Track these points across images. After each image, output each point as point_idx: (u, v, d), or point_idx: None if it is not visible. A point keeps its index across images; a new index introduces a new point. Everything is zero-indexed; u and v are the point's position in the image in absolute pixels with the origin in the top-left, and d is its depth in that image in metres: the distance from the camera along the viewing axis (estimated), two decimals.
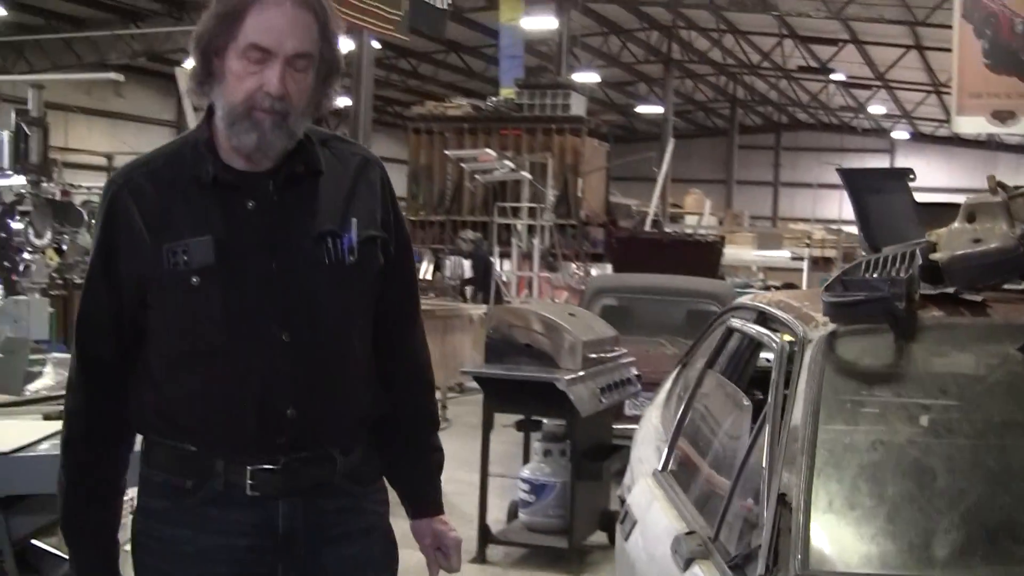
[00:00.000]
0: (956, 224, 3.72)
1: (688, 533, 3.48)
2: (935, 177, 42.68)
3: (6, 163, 10.52)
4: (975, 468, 3.10)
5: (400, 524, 3.20)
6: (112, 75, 17.91)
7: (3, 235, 11.07)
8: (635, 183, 34.31)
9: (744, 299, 4.68)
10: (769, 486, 3.02)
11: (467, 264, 19.92)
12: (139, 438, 3.07)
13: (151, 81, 37.94)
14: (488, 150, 20.62)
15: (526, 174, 19.37)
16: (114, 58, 31.29)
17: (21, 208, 10.80)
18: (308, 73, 2.87)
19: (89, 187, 25.58)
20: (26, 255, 10.84)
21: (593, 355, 8.26)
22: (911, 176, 4.59)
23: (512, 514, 8.91)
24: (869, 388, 3.37)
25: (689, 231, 26.99)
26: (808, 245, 27.44)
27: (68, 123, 31.30)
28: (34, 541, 5.50)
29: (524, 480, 8.63)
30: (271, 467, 2.91)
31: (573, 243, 22.61)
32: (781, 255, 27.92)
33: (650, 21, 36.10)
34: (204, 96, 2.92)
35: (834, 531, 2.91)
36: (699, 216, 32.97)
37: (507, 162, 19.44)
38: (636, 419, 6.36)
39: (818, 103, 47.13)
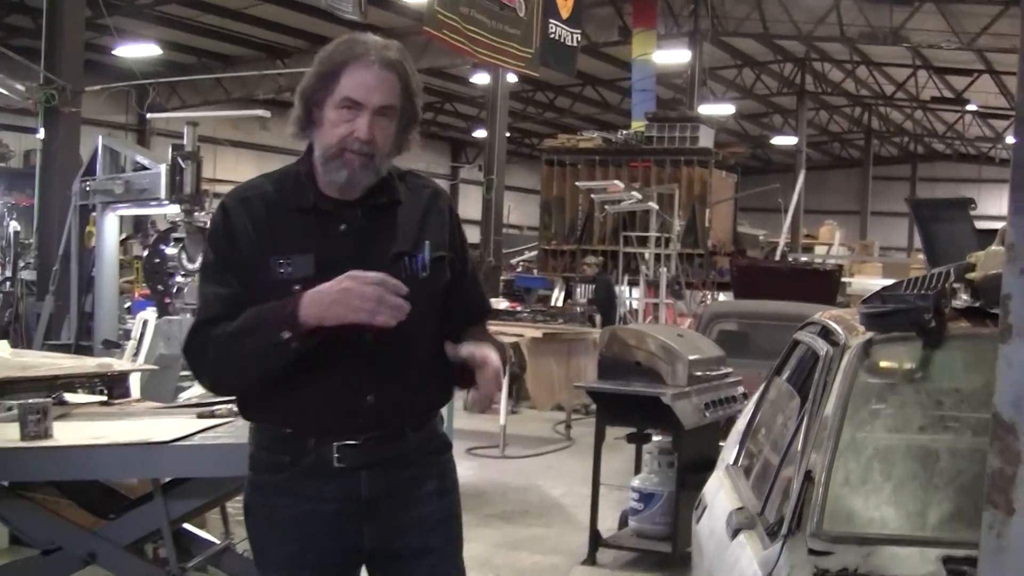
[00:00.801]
0: (993, 247, 4.22)
1: (738, 509, 4.06)
2: None
3: (163, 193, 11.27)
4: (973, 454, 3.53)
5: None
6: (260, 112, 18.71)
7: (157, 260, 11.88)
8: (766, 214, 34.51)
9: (815, 316, 5.18)
10: (800, 465, 3.60)
11: (591, 289, 20.35)
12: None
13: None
14: (617, 181, 21.04)
15: (653, 204, 19.79)
16: (261, 93, 32.50)
17: (175, 235, 11.58)
18: (392, 122, 3.40)
19: None
20: (179, 279, 11.61)
21: (699, 373, 8.77)
22: (972, 205, 5.08)
23: (623, 522, 9.39)
24: (893, 386, 3.93)
25: (807, 260, 27.09)
26: None
27: (217, 155, 32.40)
28: (185, 525, 6.22)
29: (634, 489, 9.15)
30: (353, 443, 3.41)
31: (700, 272, 23.03)
32: None
33: (783, 53, 36.27)
34: (305, 138, 3.45)
35: (846, 502, 3.49)
36: (828, 246, 33.01)
37: (635, 193, 19.89)
38: None
39: (955, 133, 46.48)
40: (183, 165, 11.21)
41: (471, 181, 41.33)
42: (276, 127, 34.19)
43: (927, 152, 53.00)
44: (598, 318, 19.17)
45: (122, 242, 15.83)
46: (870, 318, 3.99)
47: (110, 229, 12.08)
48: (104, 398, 7.37)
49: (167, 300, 11.65)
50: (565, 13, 15.96)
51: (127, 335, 11.91)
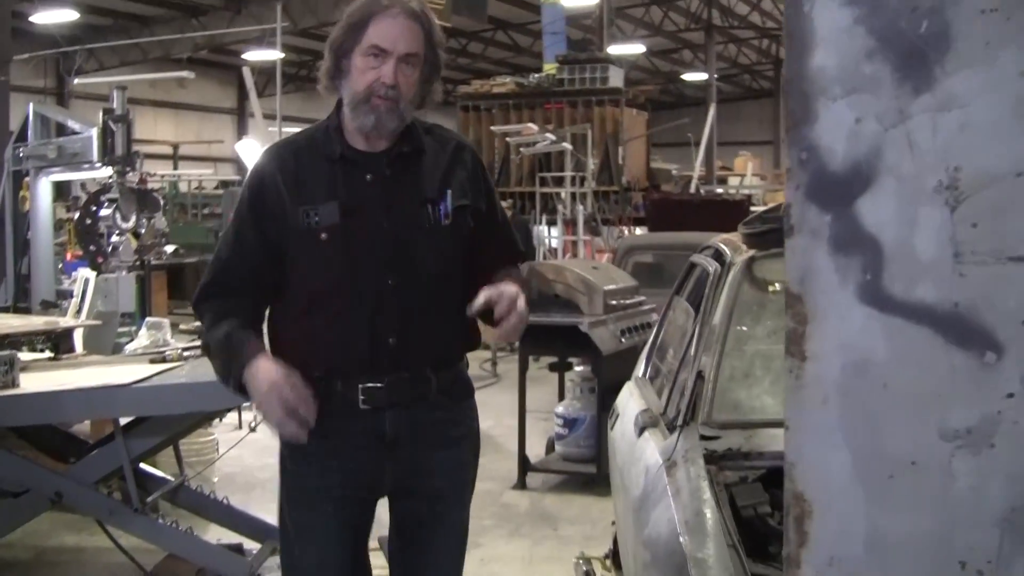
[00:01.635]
0: None
1: (644, 410, 4.61)
2: None
3: (95, 156, 11.60)
4: None
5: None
6: (184, 73, 18.97)
7: (89, 222, 12.22)
8: (680, 148, 34.99)
9: (710, 240, 5.69)
10: (693, 366, 4.16)
11: None
12: None
13: (212, 72, 39.11)
14: (531, 124, 21.40)
15: (567, 145, 20.18)
16: (177, 51, 32.42)
17: (109, 196, 11.93)
18: (416, 70, 3.51)
19: (163, 175, 26.73)
20: (115, 238, 11.98)
21: (614, 302, 9.34)
22: None
23: (549, 448, 10.00)
24: (771, 297, 4.49)
25: (719, 192, 27.74)
26: None
27: (136, 115, 32.48)
28: (141, 465, 6.68)
29: (558, 416, 9.71)
30: (378, 384, 3.53)
31: (616, 208, 23.55)
32: None
33: None
34: (335, 90, 3.57)
35: (731, 395, 4.06)
36: (742, 177, 33.62)
37: (549, 135, 20.30)
38: None
39: None
40: (114, 128, 11.54)
41: None
42: (193, 85, 34.50)
43: None
44: None
45: None
46: (750, 237, 4.55)
47: (44, 194, 12.34)
48: (50, 355, 7.80)
49: (100, 260, 11.96)
50: None
51: (62, 296, 12.25)
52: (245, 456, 9.33)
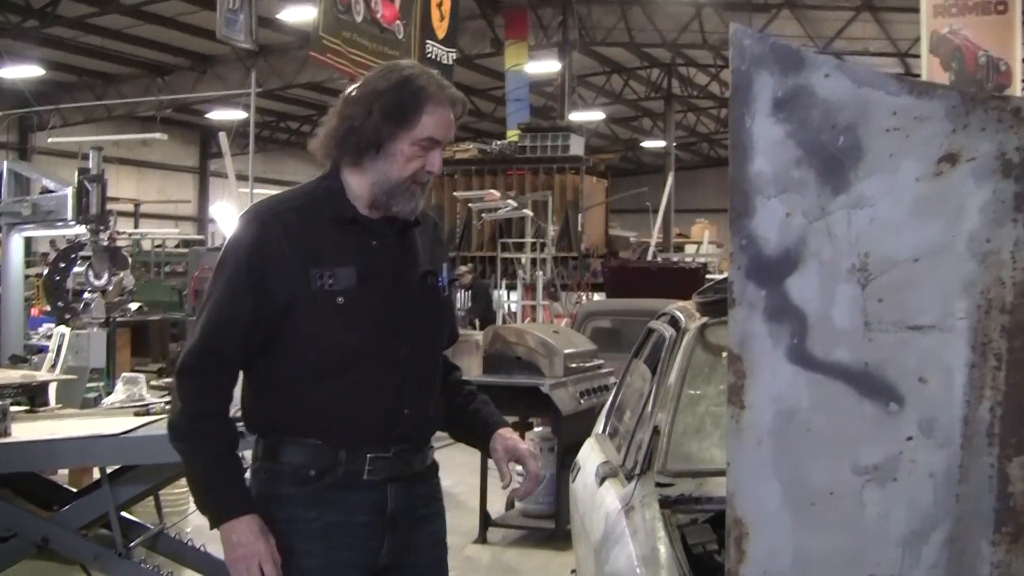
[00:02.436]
0: None
1: (604, 462, 5.01)
2: None
3: (70, 215, 11.87)
4: None
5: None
6: (157, 135, 19.27)
7: (58, 278, 12.47)
8: (639, 215, 35.26)
9: (666, 308, 6.07)
10: (649, 422, 4.58)
11: (468, 295, 20.88)
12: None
13: (175, 131, 39.30)
14: (493, 190, 21.68)
15: (528, 211, 20.47)
16: (142, 110, 32.92)
17: (83, 254, 12.22)
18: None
19: (130, 233, 26.91)
20: (86, 295, 12.24)
21: (574, 364, 9.74)
22: None
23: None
24: (721, 360, 4.92)
25: (675, 260, 28.18)
26: None
27: None
28: (123, 513, 6.97)
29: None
30: (385, 456, 3.42)
31: (574, 274, 23.89)
32: None
33: (650, 60, 37.11)
34: (357, 166, 3.43)
35: (684, 448, 4.48)
36: (698, 244, 34.05)
37: (511, 200, 20.63)
38: None
39: None
40: (89, 187, 11.85)
41: None
42: (156, 143, 34.78)
43: None
44: (478, 322, 19.74)
45: None
46: (703, 306, 4.99)
47: (16, 250, 12.50)
48: (26, 408, 8.07)
49: (67, 316, 12.17)
50: (441, 34, 16.69)
51: (32, 351, 12.47)
52: None
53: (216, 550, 7.50)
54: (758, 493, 2.38)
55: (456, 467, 11.83)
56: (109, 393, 8.79)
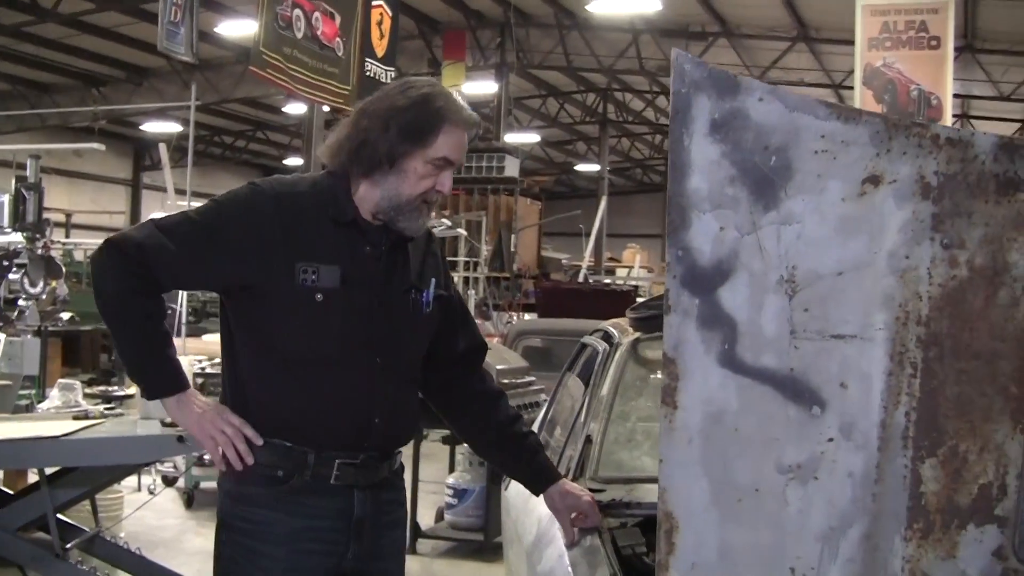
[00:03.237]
0: None
1: None
2: None
3: (6, 222, 11.91)
4: None
5: None
6: (95, 145, 19.24)
7: None
8: (570, 238, 35.52)
9: (600, 324, 6.26)
10: (582, 432, 4.72)
11: None
12: None
13: (108, 142, 39.06)
14: None
15: (462, 231, 20.64)
16: (76, 120, 32.74)
17: (18, 261, 12.23)
18: None
19: (63, 243, 26.80)
20: (21, 302, 12.26)
21: (505, 381, 9.88)
22: None
23: (439, 517, 10.53)
24: (652, 372, 5.09)
25: (607, 282, 28.45)
26: None
27: None
28: (59, 515, 7.03)
29: (449, 486, 10.27)
30: (353, 462, 3.42)
31: (506, 294, 24.11)
32: None
33: (586, 84, 37.21)
34: (361, 175, 3.41)
35: (616, 456, 4.63)
36: (629, 268, 34.36)
37: (445, 220, 20.81)
38: None
39: None
40: (26, 195, 11.91)
41: None
42: (88, 154, 34.61)
43: None
44: None
45: None
46: (637, 321, 5.16)
47: None
48: None
49: (1, 323, 12.14)
50: (380, 52, 16.76)
51: None
52: (147, 517, 9.71)
53: (152, 555, 7.66)
54: (688, 489, 2.53)
55: None
56: (41, 402, 8.81)
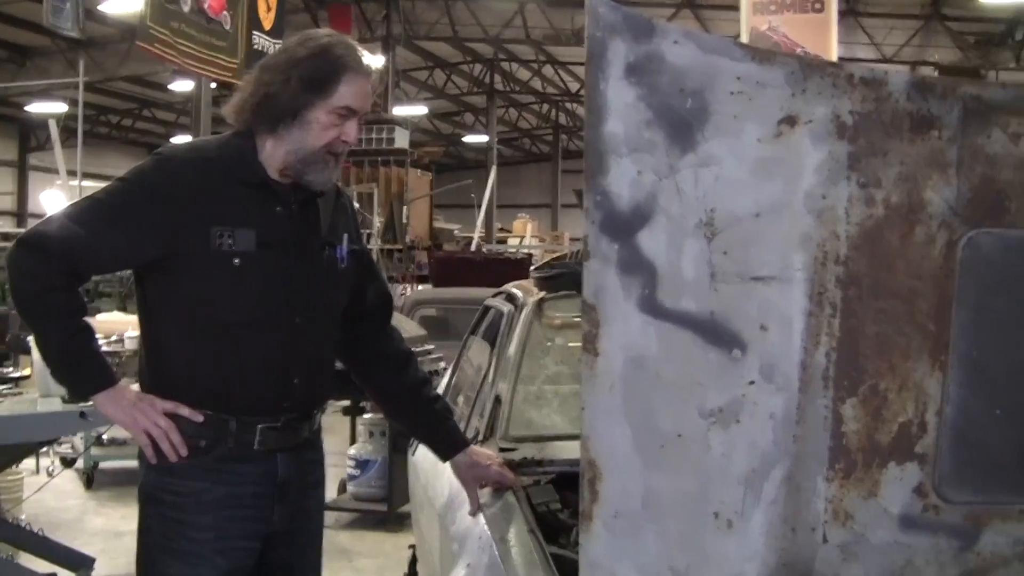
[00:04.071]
0: None
1: None
2: None
3: None
4: None
5: None
6: None
7: None
8: (462, 209, 35.58)
9: (503, 287, 6.25)
10: (491, 392, 4.71)
11: None
12: None
13: None
14: None
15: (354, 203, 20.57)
16: None
17: None
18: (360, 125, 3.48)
19: None
20: None
21: None
22: None
23: (341, 488, 10.49)
24: (557, 332, 5.09)
25: (500, 251, 28.49)
26: None
27: None
28: None
29: (351, 458, 10.23)
30: (275, 424, 3.42)
31: (400, 266, 24.10)
32: None
33: (473, 55, 37.39)
34: (273, 133, 3.37)
35: (525, 415, 4.62)
36: (521, 238, 34.47)
37: None
38: None
39: None
40: None
41: None
42: None
43: None
44: None
45: None
46: (542, 281, 5.14)
47: None
48: None
49: None
50: (268, 25, 16.63)
51: None
52: (47, 499, 9.55)
53: (55, 536, 7.54)
54: (611, 436, 2.51)
55: None
56: None
